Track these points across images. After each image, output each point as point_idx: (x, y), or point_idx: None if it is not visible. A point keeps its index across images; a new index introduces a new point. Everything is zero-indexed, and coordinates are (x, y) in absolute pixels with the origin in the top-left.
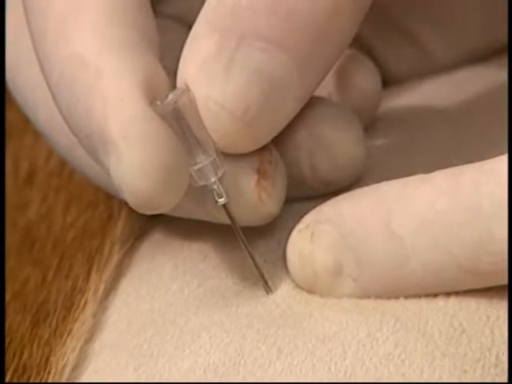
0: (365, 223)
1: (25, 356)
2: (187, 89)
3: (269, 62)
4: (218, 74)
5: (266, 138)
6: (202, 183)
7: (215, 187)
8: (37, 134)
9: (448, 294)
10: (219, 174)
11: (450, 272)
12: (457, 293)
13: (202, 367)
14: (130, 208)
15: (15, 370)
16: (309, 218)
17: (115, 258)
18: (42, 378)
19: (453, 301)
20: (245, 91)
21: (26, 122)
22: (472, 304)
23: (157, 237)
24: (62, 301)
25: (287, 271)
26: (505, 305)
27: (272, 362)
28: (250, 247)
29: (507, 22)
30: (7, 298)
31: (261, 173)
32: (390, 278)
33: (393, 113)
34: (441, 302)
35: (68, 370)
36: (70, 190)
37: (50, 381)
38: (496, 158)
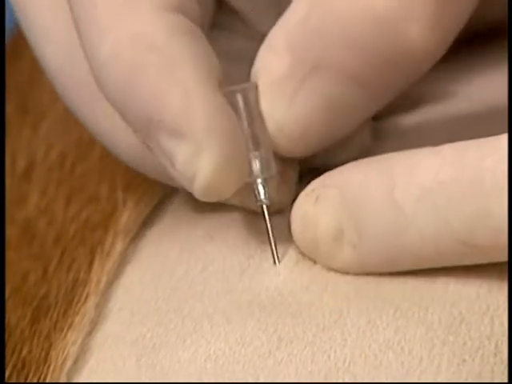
0: (368, 189)
1: (24, 351)
2: (257, 86)
3: (337, 93)
4: (284, 95)
5: (311, 154)
6: (247, 179)
7: (259, 186)
8: (35, 128)
9: (447, 282)
10: (266, 175)
11: (448, 243)
12: (456, 281)
13: (202, 357)
14: (135, 201)
15: (14, 366)
16: (316, 183)
17: (118, 248)
18: (41, 372)
19: (452, 289)
20: (306, 119)
21: (24, 115)
22: (472, 293)
23: (163, 225)
24: (63, 294)
25: (291, 251)
26: (505, 294)
27: (272, 352)
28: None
29: (507, 21)
30: (7, 292)
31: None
32: (389, 248)
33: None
34: (440, 290)
35: (68, 363)
36: (72, 184)
37: (49, 375)
38: (501, 136)
